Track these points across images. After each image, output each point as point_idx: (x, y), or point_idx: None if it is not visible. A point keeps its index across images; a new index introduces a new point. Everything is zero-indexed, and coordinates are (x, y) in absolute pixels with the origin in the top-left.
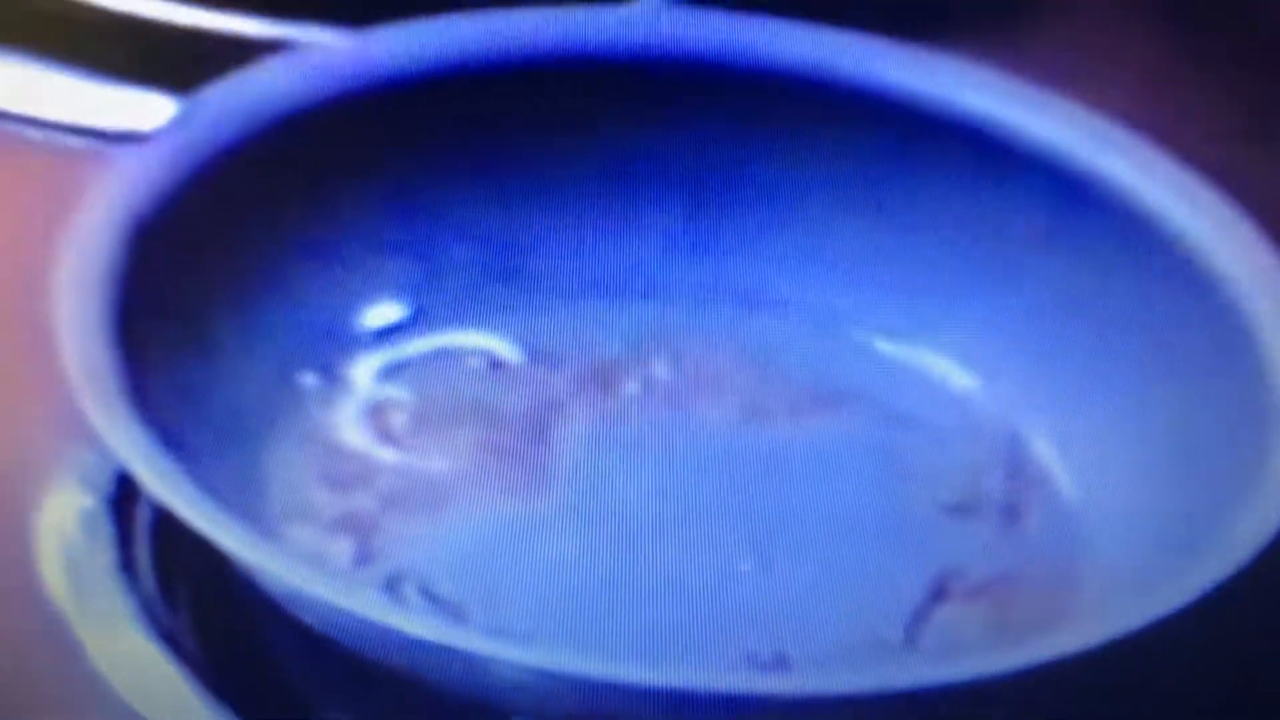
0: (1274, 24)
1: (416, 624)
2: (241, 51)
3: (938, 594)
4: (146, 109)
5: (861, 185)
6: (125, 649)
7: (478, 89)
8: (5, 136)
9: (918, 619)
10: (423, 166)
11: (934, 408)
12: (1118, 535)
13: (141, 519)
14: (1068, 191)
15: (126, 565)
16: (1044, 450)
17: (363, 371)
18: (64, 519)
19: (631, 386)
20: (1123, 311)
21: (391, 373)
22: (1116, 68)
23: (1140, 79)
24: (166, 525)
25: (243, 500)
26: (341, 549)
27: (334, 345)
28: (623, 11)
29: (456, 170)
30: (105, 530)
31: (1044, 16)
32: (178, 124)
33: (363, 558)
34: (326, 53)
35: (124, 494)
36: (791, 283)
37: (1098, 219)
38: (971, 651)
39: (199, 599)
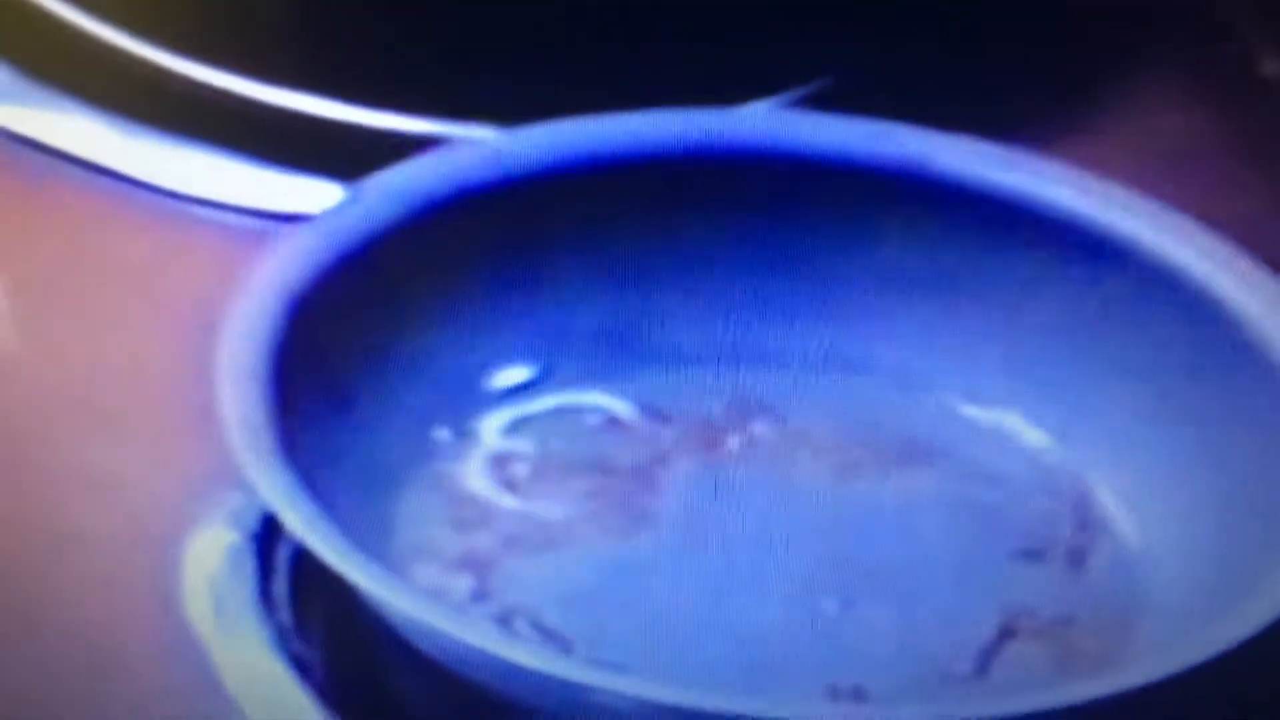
0: None
1: (525, 654)
2: (399, 146)
3: (1006, 632)
4: (313, 195)
5: (950, 267)
6: (259, 673)
7: (608, 180)
8: (190, 216)
9: (987, 655)
10: (552, 246)
11: (1010, 464)
12: (1176, 580)
13: (281, 556)
14: (1137, 278)
15: (265, 597)
16: (1108, 502)
17: (490, 426)
18: (211, 554)
19: (734, 443)
20: (1179, 377)
21: (516, 428)
22: (1177, 168)
23: (1194, 172)
24: (304, 562)
25: (374, 541)
26: (461, 585)
27: (465, 403)
28: (740, 113)
29: (583, 250)
30: (248, 565)
31: (1104, 118)
32: (339, 208)
33: (480, 594)
34: (473, 148)
35: (267, 533)
36: (884, 352)
37: (1156, 296)
38: (1037, 685)
39: (330, 630)
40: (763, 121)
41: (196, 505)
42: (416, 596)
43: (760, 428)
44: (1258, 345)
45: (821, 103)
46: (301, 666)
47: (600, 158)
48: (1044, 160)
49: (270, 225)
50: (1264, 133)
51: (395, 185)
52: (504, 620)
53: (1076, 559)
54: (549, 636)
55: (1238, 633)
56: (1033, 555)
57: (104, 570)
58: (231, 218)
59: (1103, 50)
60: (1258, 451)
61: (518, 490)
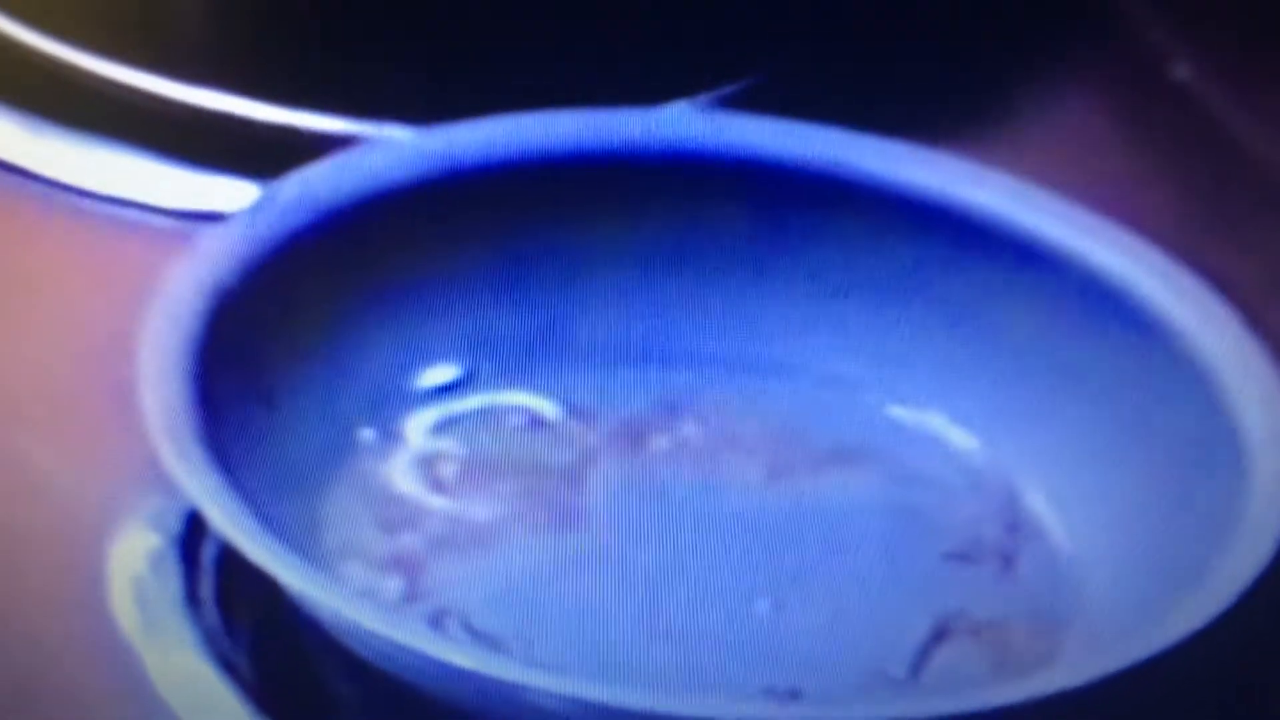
0: (1224, 124)
1: (457, 654)
2: (316, 145)
3: (940, 634)
4: (229, 194)
5: (874, 269)
6: (188, 674)
7: (527, 180)
8: (104, 216)
9: (921, 657)
10: (475, 246)
11: (939, 466)
12: (1106, 582)
13: (206, 555)
14: (1061, 279)
15: (192, 599)
16: (1038, 504)
17: (416, 426)
18: (135, 556)
19: (661, 443)
20: (1108, 381)
21: (442, 428)
22: (1089, 170)
23: (1107, 174)
24: (230, 562)
25: (301, 540)
26: (391, 586)
27: (391, 403)
28: (662, 113)
29: (505, 249)
30: (173, 566)
31: (1021, 118)
32: (257, 207)
33: (410, 595)
34: (390, 147)
35: (191, 534)
36: (811, 354)
37: (1088, 303)
38: (971, 686)
39: (258, 630)
40: (684, 121)
41: (120, 507)
42: (348, 596)
43: (687, 428)
44: (1183, 348)
45: (743, 102)
46: (230, 668)
47: (521, 157)
48: (966, 163)
49: (187, 225)
50: (1174, 136)
51: (314, 184)
52: (435, 621)
53: (1007, 561)
54: (481, 637)
55: (1171, 635)
56: (964, 557)
57: (28, 572)
58: (147, 217)
59: (1018, 53)
60: (1185, 453)
61: (445, 490)
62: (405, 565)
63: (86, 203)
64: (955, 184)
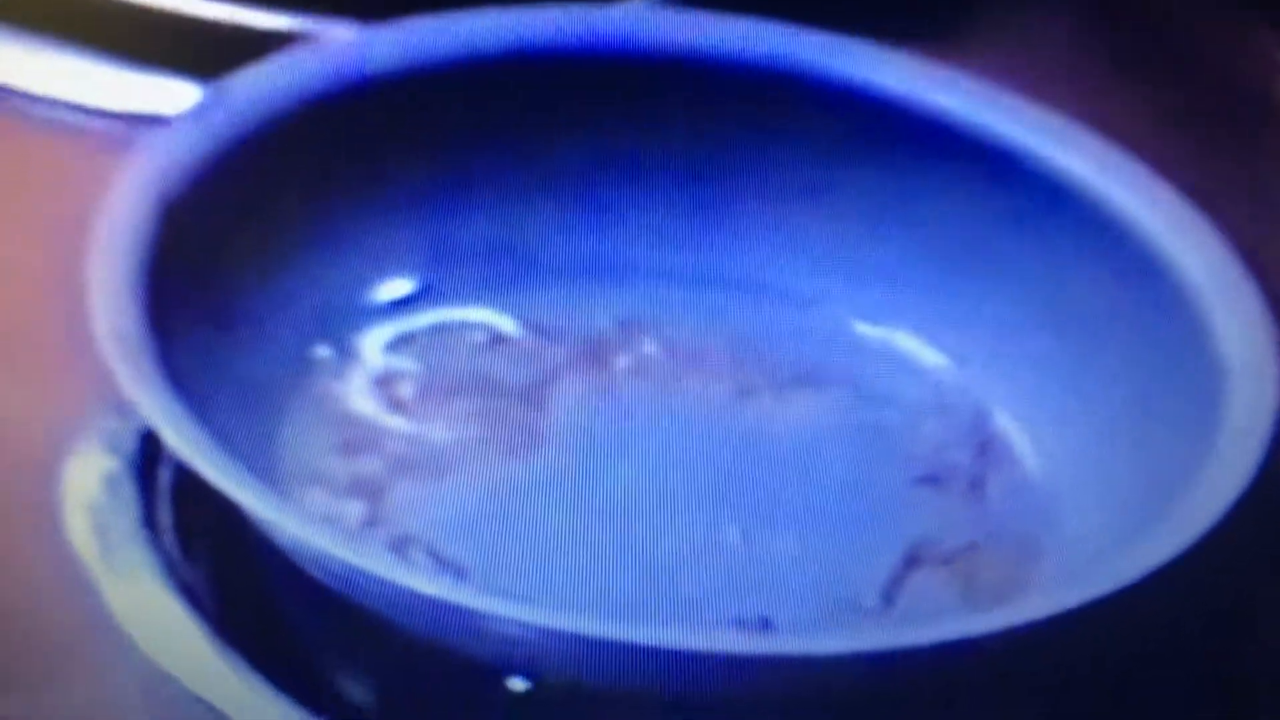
0: (1195, 29)
1: (419, 581)
2: (262, 43)
3: (911, 561)
4: (172, 95)
5: (840, 179)
6: (146, 601)
7: (481, 81)
8: (40, 119)
9: (892, 585)
10: (430, 153)
11: (906, 386)
12: (1078, 507)
13: (163, 480)
14: (1031, 187)
15: (149, 523)
16: (1009, 426)
17: (372, 343)
18: (89, 479)
19: (623, 362)
20: (1082, 297)
21: (399, 345)
22: (1056, 66)
23: (1079, 75)
24: (187, 486)
25: (260, 463)
26: (352, 511)
27: (346, 319)
28: (617, 10)
29: (462, 156)
30: (128, 490)
31: (986, 19)
32: (201, 109)
33: (371, 519)
34: (340, 45)
35: (147, 456)
36: (775, 270)
37: (1060, 212)
38: (942, 616)
39: (217, 555)
40: (642, 19)
41: (73, 429)
42: (309, 521)
43: (650, 347)
44: (1159, 259)
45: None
46: (189, 593)
47: (474, 56)
48: (932, 64)
49: (129, 127)
50: (1134, 34)
51: (260, 85)
52: (397, 546)
53: (977, 485)
54: (444, 563)
55: (1143, 565)
56: (933, 482)
57: None
58: (87, 119)
59: None
60: (1160, 372)
61: (404, 411)
62: (366, 489)
63: (23, 104)
64: (922, 86)
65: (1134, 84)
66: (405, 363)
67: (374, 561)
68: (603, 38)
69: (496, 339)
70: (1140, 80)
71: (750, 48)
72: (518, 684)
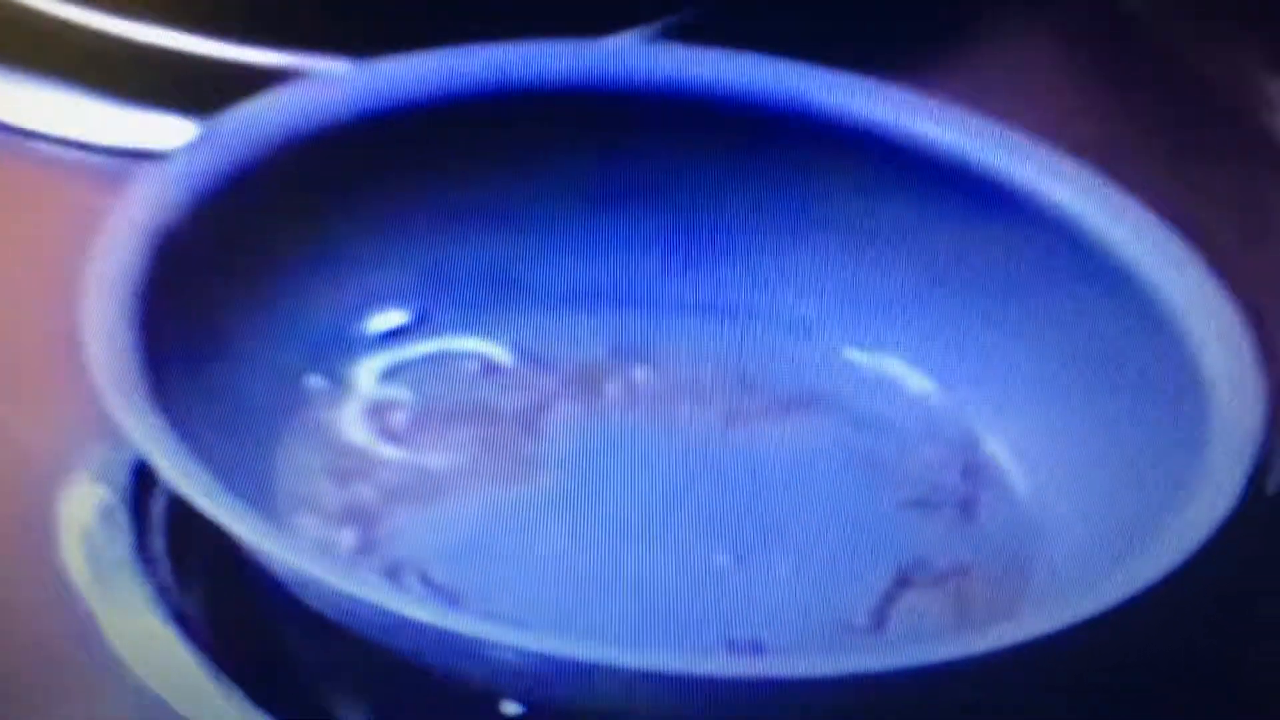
0: (1176, 54)
1: (413, 608)
2: (255, 80)
3: (901, 583)
4: (167, 131)
5: (830, 208)
6: (141, 630)
7: (474, 115)
8: (39, 155)
9: (883, 606)
10: (423, 185)
11: (896, 410)
12: (1067, 528)
13: (157, 510)
14: (1016, 215)
15: (143, 552)
16: (997, 449)
17: (365, 373)
18: (84, 508)
19: (615, 389)
20: (1067, 322)
21: (392, 374)
22: (1041, 92)
23: (1064, 102)
24: (181, 515)
25: (253, 492)
26: (346, 538)
27: (339, 349)
28: (603, 45)
29: (454, 189)
30: (123, 520)
31: (973, 51)
32: (195, 145)
33: (365, 547)
34: (334, 81)
35: (140, 487)
36: (765, 297)
37: (1044, 239)
38: (933, 637)
39: (211, 584)
40: (630, 53)
41: (68, 458)
42: (302, 549)
43: (641, 373)
44: (1143, 287)
45: (688, 34)
46: (183, 621)
47: (465, 91)
48: (920, 97)
49: (124, 163)
50: (1123, 65)
51: (253, 121)
52: (391, 573)
53: (967, 507)
54: (438, 589)
55: (1132, 584)
56: (924, 504)
57: None
58: (84, 155)
59: None
60: (1146, 396)
61: (398, 439)
62: (359, 516)
63: (19, 141)
64: (910, 118)
65: (1119, 112)
66: (398, 392)
67: (368, 588)
68: (592, 72)
69: (489, 368)
70: (1126, 107)
71: (738, 81)
72: (512, 709)
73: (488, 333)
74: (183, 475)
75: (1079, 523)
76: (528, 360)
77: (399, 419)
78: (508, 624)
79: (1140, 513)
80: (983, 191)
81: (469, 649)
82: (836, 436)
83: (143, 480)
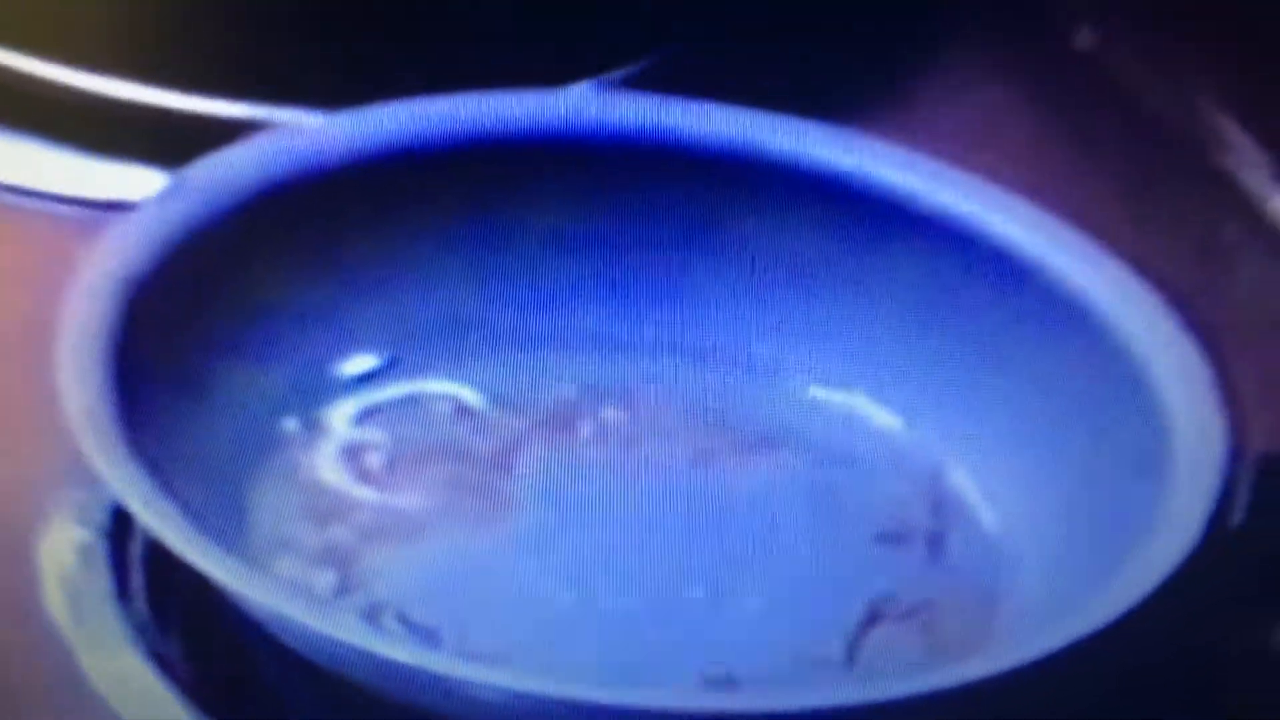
0: (1130, 92)
1: (391, 648)
2: (225, 131)
3: (872, 617)
4: (138, 182)
5: (792, 250)
6: (121, 670)
7: (439, 163)
8: (11, 207)
9: (855, 640)
10: (392, 231)
11: (862, 447)
12: (1035, 561)
13: (136, 551)
14: (977, 256)
15: (122, 593)
16: (964, 484)
17: (340, 416)
18: (64, 551)
19: (585, 429)
20: (1029, 359)
21: (366, 417)
22: (997, 142)
23: (1019, 146)
24: (160, 556)
25: (230, 535)
26: (324, 580)
27: (313, 392)
28: (568, 94)
29: (423, 234)
30: (102, 561)
31: (929, 93)
32: (166, 195)
33: (343, 588)
34: (302, 132)
35: (119, 529)
36: (731, 336)
37: (1008, 281)
38: (904, 670)
39: (190, 624)
40: (597, 102)
41: (47, 501)
42: (281, 591)
43: (611, 414)
44: (1104, 323)
45: (649, 82)
46: (163, 662)
47: (430, 140)
48: (878, 141)
49: (96, 215)
50: (1078, 105)
51: (223, 171)
52: (369, 614)
53: (934, 542)
54: (415, 629)
55: (1100, 618)
56: (892, 539)
57: None
58: (55, 207)
59: (920, 23)
60: (1107, 431)
61: (373, 481)
62: (337, 558)
63: None
64: (868, 162)
65: (1076, 152)
66: (372, 434)
67: (346, 629)
68: (556, 120)
69: (461, 410)
70: (1083, 148)
71: (702, 128)
72: None
73: (459, 375)
74: (158, 519)
75: (1046, 557)
76: (499, 402)
77: (374, 461)
78: (485, 663)
79: (1106, 547)
80: (943, 233)
81: (448, 688)
82: (805, 473)
83: (121, 521)
